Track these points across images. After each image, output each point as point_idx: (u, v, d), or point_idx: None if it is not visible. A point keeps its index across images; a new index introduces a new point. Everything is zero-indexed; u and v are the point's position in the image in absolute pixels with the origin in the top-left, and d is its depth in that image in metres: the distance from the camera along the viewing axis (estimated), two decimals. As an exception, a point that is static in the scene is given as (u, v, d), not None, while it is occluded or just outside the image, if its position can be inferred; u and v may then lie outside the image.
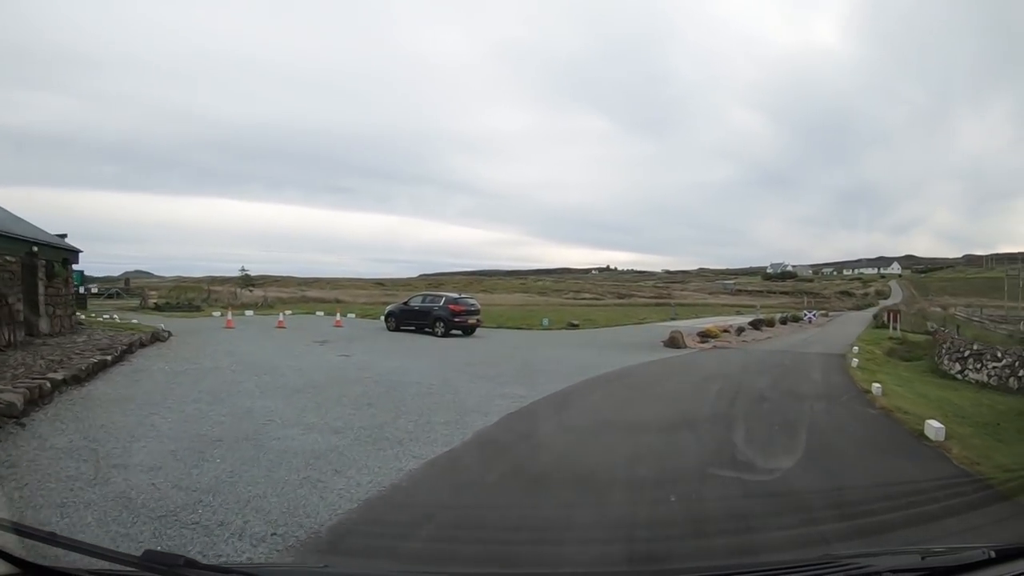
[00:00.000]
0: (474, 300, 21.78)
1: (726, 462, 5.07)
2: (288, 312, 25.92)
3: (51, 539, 1.42)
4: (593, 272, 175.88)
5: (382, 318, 21.06)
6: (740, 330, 23.35)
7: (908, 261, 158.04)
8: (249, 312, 26.66)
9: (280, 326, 18.90)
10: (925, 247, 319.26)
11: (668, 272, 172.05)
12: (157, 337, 13.27)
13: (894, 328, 23.14)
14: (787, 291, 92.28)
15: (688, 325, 27.73)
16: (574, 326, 25.72)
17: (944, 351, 15.32)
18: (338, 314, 23.93)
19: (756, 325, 25.39)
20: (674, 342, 18.42)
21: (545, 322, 25.73)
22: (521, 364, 12.24)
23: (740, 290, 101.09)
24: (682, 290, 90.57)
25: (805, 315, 30.39)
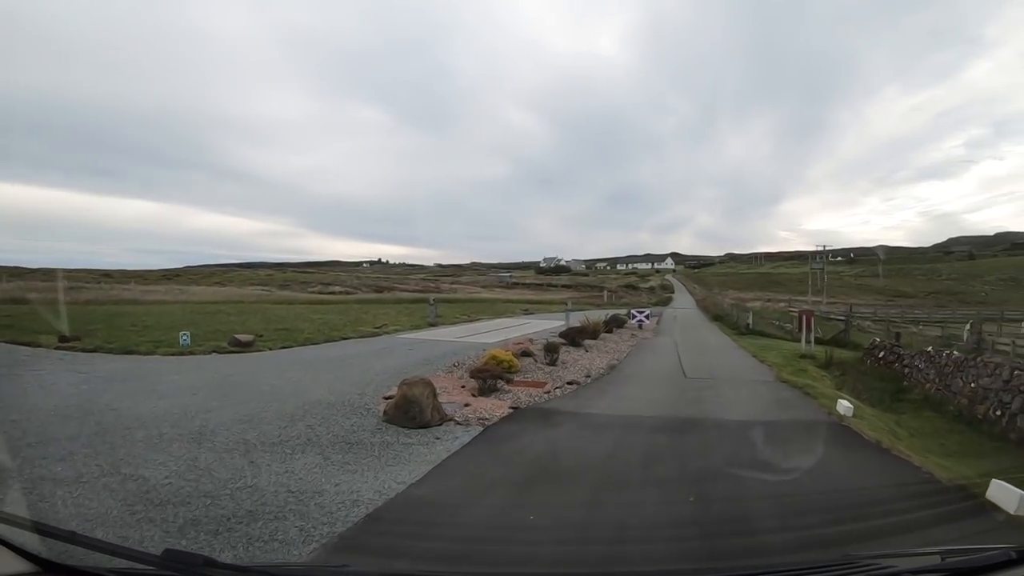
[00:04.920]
0: None
1: None
2: None
3: (71, 538, 1.40)
4: (364, 265, 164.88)
5: None
6: (551, 350, 11.92)
7: (675, 258, 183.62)
8: None
9: None
10: (689, 245, 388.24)
11: (440, 266, 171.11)
12: None
13: (807, 340, 14.42)
14: (568, 284, 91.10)
15: (455, 334, 15.61)
16: (242, 346, 11.49)
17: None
18: None
19: (573, 339, 14.39)
20: (411, 410, 5.64)
21: (184, 340, 11.23)
22: None
23: (516, 283, 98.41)
24: (453, 283, 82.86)
25: (634, 317, 21.13)
